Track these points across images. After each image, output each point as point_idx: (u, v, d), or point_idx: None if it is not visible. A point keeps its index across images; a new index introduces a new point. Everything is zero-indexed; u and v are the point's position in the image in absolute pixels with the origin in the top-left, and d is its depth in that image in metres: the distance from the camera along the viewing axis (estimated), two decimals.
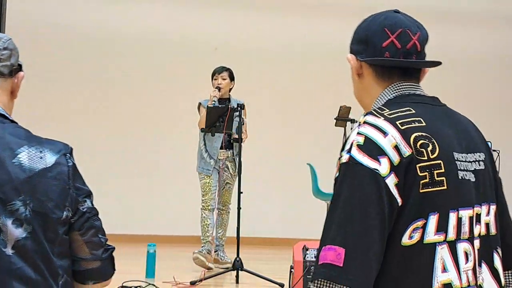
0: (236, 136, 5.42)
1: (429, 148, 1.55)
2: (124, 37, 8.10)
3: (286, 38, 8.30)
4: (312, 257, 4.18)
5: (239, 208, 5.28)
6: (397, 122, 1.56)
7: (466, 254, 1.58)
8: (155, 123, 8.09)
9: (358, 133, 1.55)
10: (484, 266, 1.63)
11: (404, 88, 1.66)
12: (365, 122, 1.56)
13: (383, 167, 1.50)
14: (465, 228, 1.58)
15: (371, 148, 1.52)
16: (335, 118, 5.51)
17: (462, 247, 1.58)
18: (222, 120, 5.20)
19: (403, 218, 1.52)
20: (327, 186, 6.36)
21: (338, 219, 1.50)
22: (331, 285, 1.46)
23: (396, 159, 1.51)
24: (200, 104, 6.05)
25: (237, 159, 5.74)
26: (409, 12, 1.73)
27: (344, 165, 1.53)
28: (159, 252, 5.30)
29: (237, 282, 4.88)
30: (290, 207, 8.19)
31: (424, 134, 1.56)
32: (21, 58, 1.93)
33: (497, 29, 8.37)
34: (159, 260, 5.18)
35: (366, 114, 1.60)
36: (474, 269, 1.60)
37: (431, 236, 1.53)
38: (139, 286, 4.27)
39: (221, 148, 5.91)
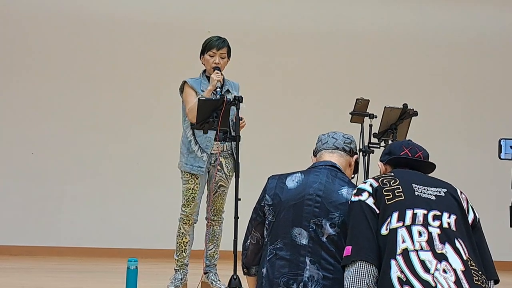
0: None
1: (392, 182, 3.15)
2: (110, 19, 7.47)
3: (288, 21, 7.62)
4: None
5: (236, 218, 4.78)
6: (375, 176, 3.27)
7: (420, 232, 2.99)
8: (139, 117, 7.42)
9: (355, 188, 3.27)
10: (447, 245, 2.98)
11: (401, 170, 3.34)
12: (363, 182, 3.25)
13: (363, 197, 3.15)
14: (419, 218, 3.03)
15: (358, 192, 3.20)
16: (350, 113, 4.91)
17: (416, 229, 3.00)
18: (217, 115, 4.47)
19: (380, 220, 3.07)
20: None
21: (349, 230, 3.16)
22: (348, 265, 3.03)
23: (371, 190, 3.16)
24: (185, 83, 5.04)
25: (235, 154, 4.97)
26: None
27: (349, 206, 3.24)
28: (141, 268, 4.85)
29: None
30: None
31: (389, 177, 3.20)
32: None
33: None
34: (141, 277, 4.77)
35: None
36: (428, 241, 2.97)
37: (393, 224, 3.03)
38: None
39: (214, 139, 4.99)
